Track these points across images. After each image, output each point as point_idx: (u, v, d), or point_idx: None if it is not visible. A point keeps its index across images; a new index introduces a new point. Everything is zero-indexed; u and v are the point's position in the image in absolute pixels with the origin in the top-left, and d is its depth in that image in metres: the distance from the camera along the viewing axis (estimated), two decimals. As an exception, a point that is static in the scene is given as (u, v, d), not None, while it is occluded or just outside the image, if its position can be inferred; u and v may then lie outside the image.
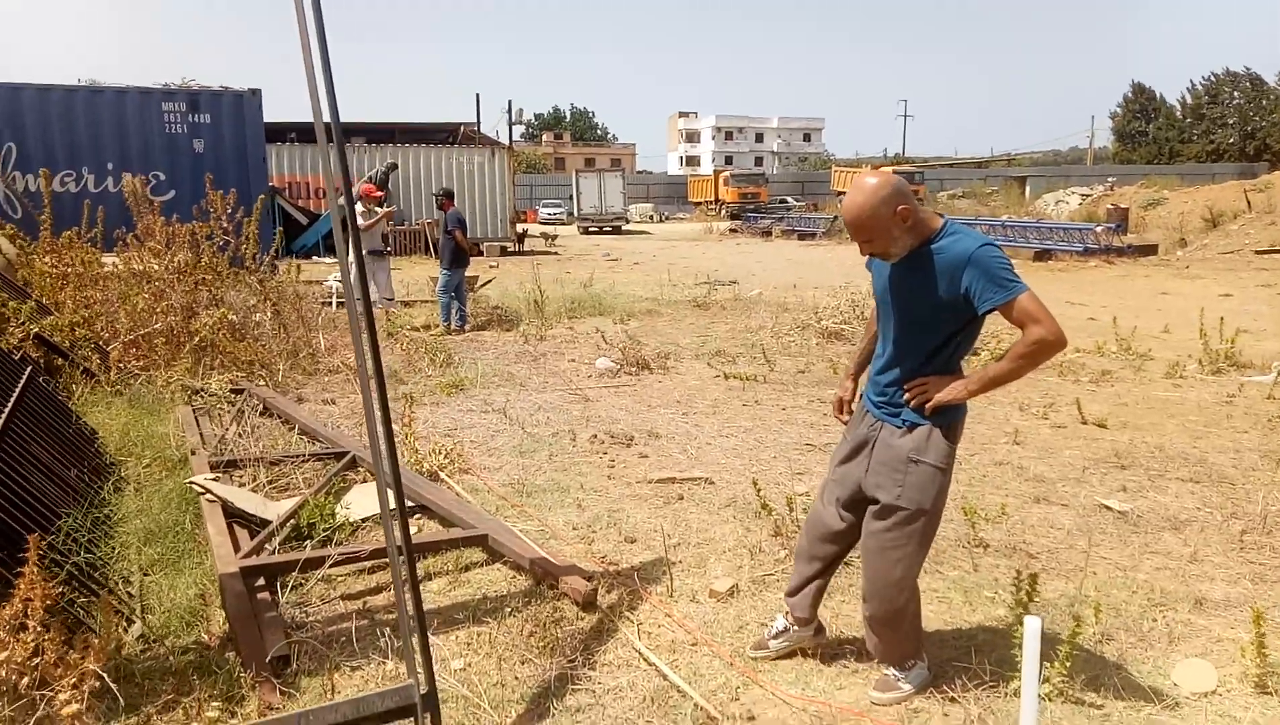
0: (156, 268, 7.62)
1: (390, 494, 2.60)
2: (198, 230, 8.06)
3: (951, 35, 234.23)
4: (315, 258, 19.72)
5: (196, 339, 6.99)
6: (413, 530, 4.35)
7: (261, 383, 7.18)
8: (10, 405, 4.06)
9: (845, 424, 3.01)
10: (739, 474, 5.18)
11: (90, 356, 6.17)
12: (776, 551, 4.08)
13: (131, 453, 5.07)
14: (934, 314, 2.60)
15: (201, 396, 6.39)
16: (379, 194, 11.46)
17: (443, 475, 5.10)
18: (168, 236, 7.79)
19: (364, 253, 10.70)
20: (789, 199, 50.68)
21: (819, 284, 14.77)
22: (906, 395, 2.71)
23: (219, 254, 8.23)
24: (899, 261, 2.66)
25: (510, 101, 39.65)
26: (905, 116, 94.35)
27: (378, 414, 2.51)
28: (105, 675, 2.54)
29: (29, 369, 4.95)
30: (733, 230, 37.56)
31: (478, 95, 37.16)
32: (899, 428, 2.73)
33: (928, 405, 2.67)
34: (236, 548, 3.87)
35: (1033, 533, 4.36)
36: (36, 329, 5.72)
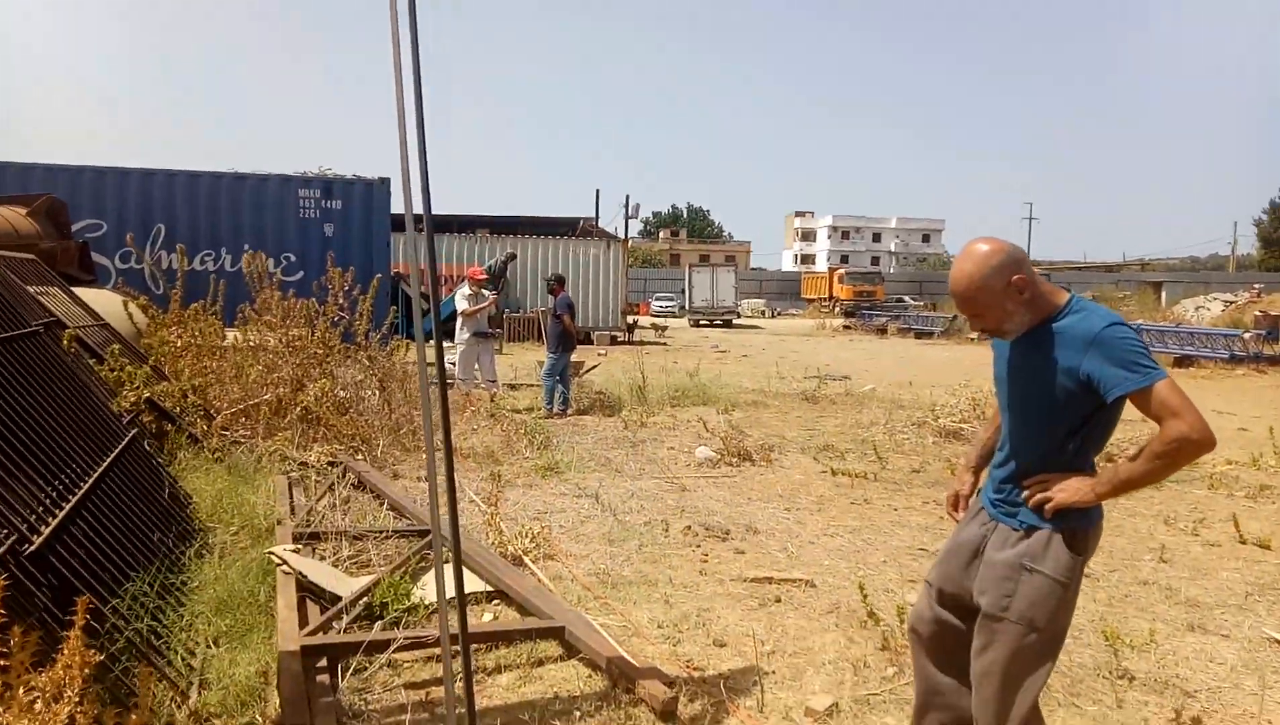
0: (271, 341, 7.84)
1: (449, 577, 2.38)
2: (312, 306, 8.29)
3: (1078, 137, 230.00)
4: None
5: (299, 409, 7.08)
6: (487, 617, 4.14)
7: (360, 457, 7.20)
8: (103, 467, 4.08)
9: (956, 522, 2.71)
10: (843, 577, 4.81)
11: (197, 422, 6.29)
12: (884, 668, 3.65)
13: (221, 519, 5.06)
14: (1055, 401, 2.34)
15: (298, 467, 6.42)
16: (483, 276, 11.65)
17: (526, 560, 4.89)
18: (284, 311, 8.03)
19: (469, 335, 10.99)
20: (906, 298, 49.78)
21: (936, 382, 14.21)
22: (1025, 493, 2.43)
23: (332, 329, 8.42)
24: (1017, 340, 2.42)
25: (628, 197, 40.83)
26: (1030, 219, 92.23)
27: (441, 481, 2.32)
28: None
29: (133, 432, 5.04)
30: (846, 327, 37.08)
31: (597, 191, 38.71)
32: (1015, 530, 2.44)
33: (1048, 506, 2.37)
34: (305, 623, 3.72)
35: (1188, 666, 3.77)
36: (149, 394, 5.88)
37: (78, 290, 7.49)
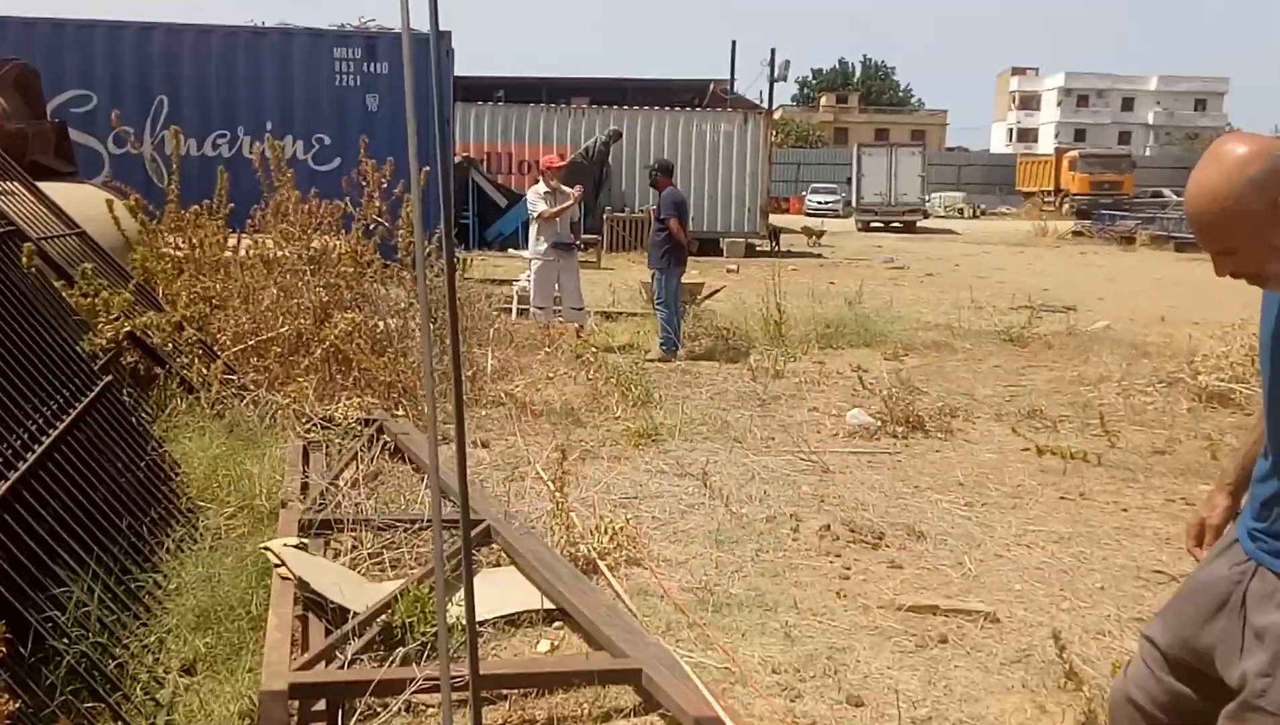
0: (287, 255, 7.99)
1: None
2: (344, 207, 8.40)
3: None
4: (513, 251, 20.52)
5: (323, 348, 7.22)
6: (543, 647, 4.13)
7: (400, 413, 7.32)
8: (58, 432, 4.21)
9: (1199, 560, 2.55)
10: (1040, 611, 4.61)
11: (194, 364, 6.49)
12: (1086, 755, 3.46)
13: (215, 497, 5.21)
14: None
15: (319, 426, 6.56)
16: (560, 164, 11.55)
17: (603, 566, 4.89)
18: (306, 215, 8.16)
19: (546, 246, 10.97)
20: (1165, 191, 47.19)
21: (1201, 318, 13.51)
22: None
23: (365, 241, 8.53)
24: None
25: (773, 51, 39.75)
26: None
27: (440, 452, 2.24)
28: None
29: (106, 380, 5.20)
30: (1077, 233, 35.72)
31: (733, 43, 37.73)
32: None
33: None
34: (304, 648, 3.77)
35: None
36: (130, 327, 6.07)
37: (51, 186, 7.78)
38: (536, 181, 11.73)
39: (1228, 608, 2.34)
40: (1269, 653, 2.20)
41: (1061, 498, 6.29)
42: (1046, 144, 78.43)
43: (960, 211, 52.40)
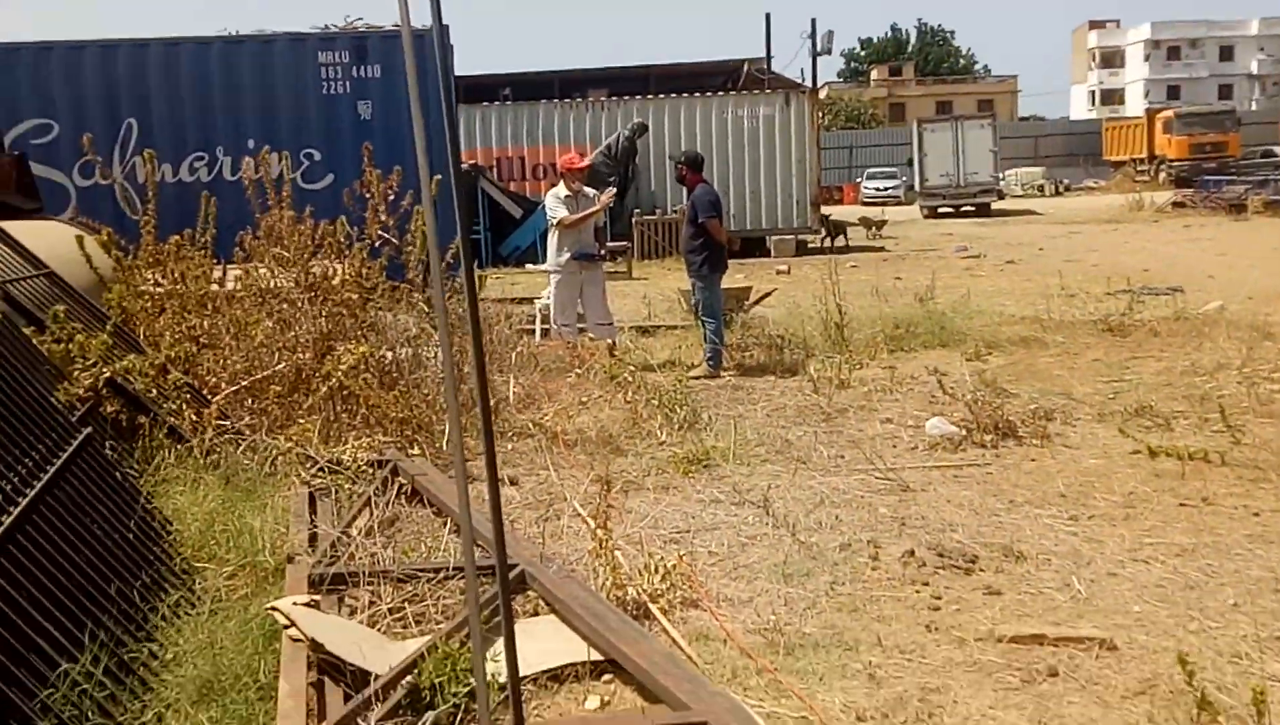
0: (284, 283, 8.08)
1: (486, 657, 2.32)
2: (343, 227, 8.48)
3: None
4: (530, 266, 20.62)
5: (327, 385, 7.28)
6: (592, 702, 4.14)
7: (415, 451, 7.37)
8: (33, 493, 4.27)
9: None
10: (1165, 634, 4.58)
11: (182, 410, 6.56)
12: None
13: (213, 555, 5.27)
14: None
15: (326, 471, 6.61)
16: (582, 166, 11.58)
17: (655, 609, 4.89)
18: (301, 238, 8.24)
19: (567, 257, 11.01)
20: (1278, 150, 46.71)
21: (1330, 292, 13.31)
22: None
23: (371, 262, 8.61)
24: None
25: (814, 21, 39.81)
26: None
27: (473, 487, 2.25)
28: None
29: (85, 432, 5.28)
30: (1178, 204, 35.39)
31: (768, 16, 37.70)
32: None
33: None
34: (320, 718, 3.79)
35: None
36: (110, 373, 6.16)
37: (14, 225, 7.94)
38: (555, 185, 11.78)
39: None
40: None
41: (1181, 504, 6.23)
42: (1135, 105, 77.96)
43: (1040, 189, 52.15)
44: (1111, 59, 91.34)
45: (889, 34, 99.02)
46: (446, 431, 7.68)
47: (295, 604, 4.45)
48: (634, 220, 24.84)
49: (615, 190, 13.82)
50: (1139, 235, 26.90)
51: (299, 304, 8.07)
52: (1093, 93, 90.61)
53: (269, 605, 4.49)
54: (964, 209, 39.45)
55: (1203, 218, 31.45)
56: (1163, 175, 43.96)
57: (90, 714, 3.47)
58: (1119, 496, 6.42)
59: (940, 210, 39.62)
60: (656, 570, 5.13)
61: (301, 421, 7.12)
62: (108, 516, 4.86)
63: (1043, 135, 63.23)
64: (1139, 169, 47.84)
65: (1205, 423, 7.88)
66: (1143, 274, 17.30)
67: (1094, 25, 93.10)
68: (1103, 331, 11.93)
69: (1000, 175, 43.50)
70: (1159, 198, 37.28)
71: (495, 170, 25.72)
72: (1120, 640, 4.50)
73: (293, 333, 7.93)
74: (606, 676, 4.30)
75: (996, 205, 40.57)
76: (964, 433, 7.81)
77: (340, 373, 7.48)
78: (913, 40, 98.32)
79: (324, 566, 5.09)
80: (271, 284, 8.15)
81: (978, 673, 4.29)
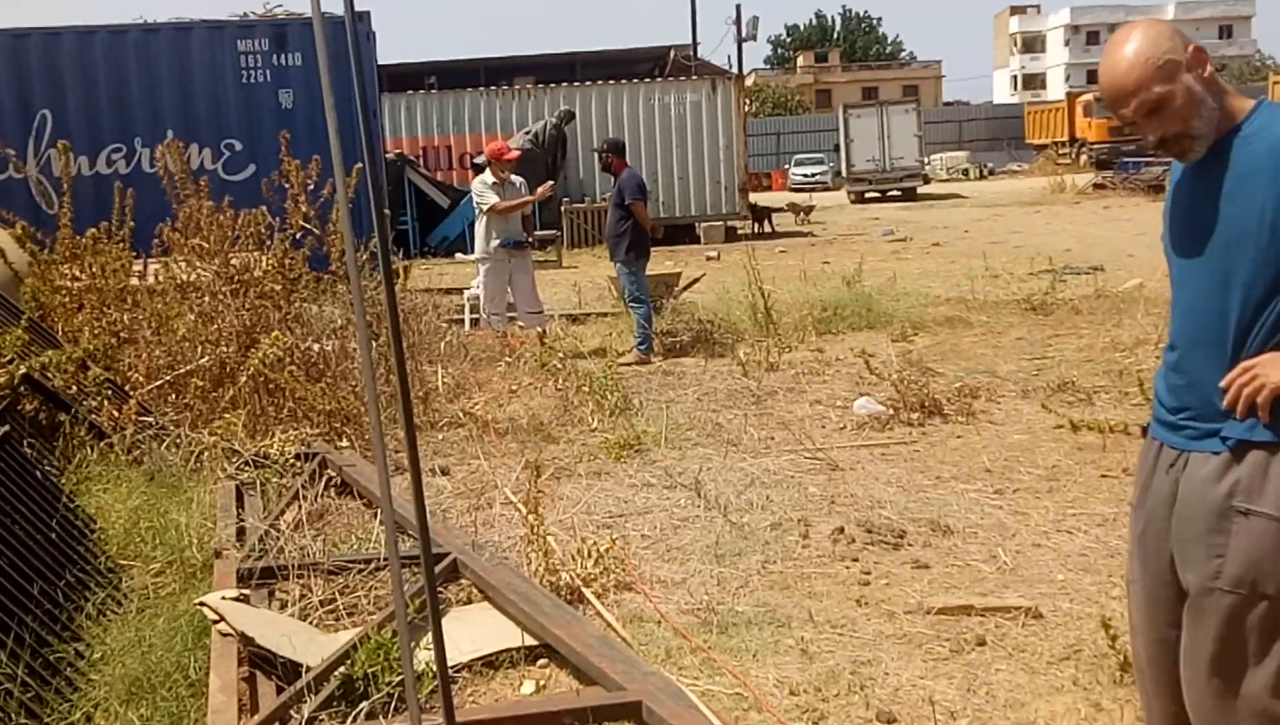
0: (205, 276, 7.97)
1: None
2: (262, 217, 8.37)
3: None
4: (460, 255, 20.50)
5: (250, 377, 7.19)
6: (528, 687, 4.14)
7: (344, 444, 7.32)
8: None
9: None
10: (1088, 600, 4.67)
11: (103, 406, 6.46)
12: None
13: (139, 553, 5.20)
14: (1256, 241, 2.52)
15: (252, 465, 6.54)
16: (513, 154, 11.52)
17: (589, 594, 4.90)
18: (221, 229, 8.13)
19: (496, 246, 10.96)
20: (1195, 131, 47.70)
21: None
22: (1228, 397, 2.56)
23: (294, 252, 8.51)
24: (1196, 170, 2.67)
25: (739, 7, 39.86)
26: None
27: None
28: None
29: (2, 431, 5.18)
30: (1099, 185, 35.90)
31: (693, 4, 37.71)
32: (1215, 454, 2.61)
33: (1260, 397, 2.49)
34: (253, 712, 3.77)
35: None
36: (26, 370, 6.04)
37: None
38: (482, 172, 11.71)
39: (1168, 507, 2.70)
40: (1213, 530, 2.57)
41: (1103, 476, 6.35)
42: (1056, 89, 78.94)
43: (965, 173, 52.72)
44: (1033, 44, 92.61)
45: (814, 21, 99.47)
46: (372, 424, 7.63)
47: (224, 599, 4.41)
48: (563, 208, 24.79)
49: (552, 182, 13.82)
50: (1061, 217, 27.31)
51: (221, 296, 7.96)
52: (1015, 77, 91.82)
53: (197, 601, 4.45)
54: (890, 193, 39.79)
55: (1122, 199, 31.96)
56: (1083, 158, 44.47)
57: (14, 715, 3.42)
58: (1043, 470, 6.53)
59: (867, 195, 39.91)
60: (589, 555, 5.12)
61: (226, 415, 7.03)
62: (28, 516, 4.77)
63: (967, 120, 63.86)
64: (1060, 152, 48.39)
65: (1125, 397, 8.03)
66: (1064, 254, 17.55)
67: (1015, 11, 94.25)
68: (1026, 311, 12.12)
69: (925, 160, 43.96)
70: (1080, 180, 37.78)
71: (421, 160, 25.52)
72: (1045, 608, 4.59)
73: (215, 326, 7.82)
74: (541, 661, 4.32)
75: (922, 189, 41.01)
76: (891, 412, 7.88)
77: (264, 364, 7.40)
78: (838, 27, 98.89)
79: (253, 561, 5.05)
80: (192, 277, 8.03)
81: (907, 644, 4.34)
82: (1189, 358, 2.71)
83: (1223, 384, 2.57)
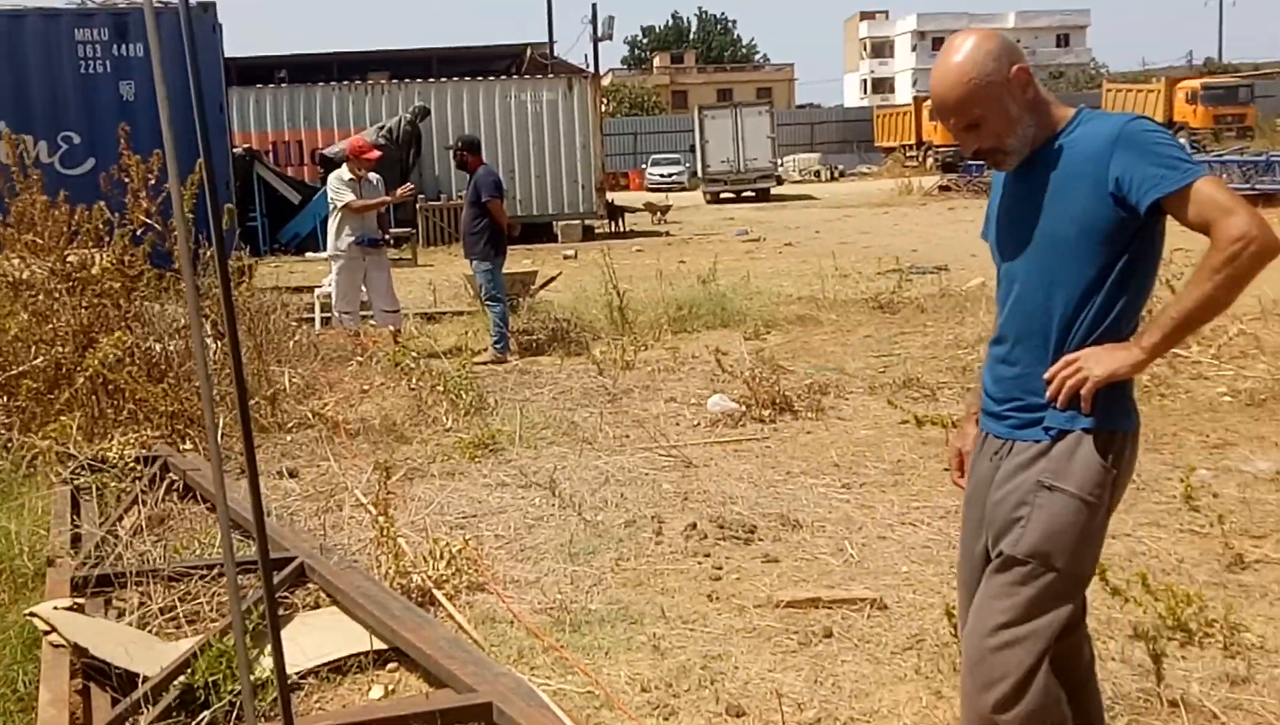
0: (40, 273, 7.66)
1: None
2: (102, 213, 8.09)
3: None
4: (311, 253, 20.12)
5: (84, 381, 6.95)
6: (376, 692, 4.09)
7: (187, 447, 7.12)
8: None
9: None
10: (931, 591, 4.78)
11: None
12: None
13: (-34, 563, 4.97)
14: (1080, 238, 2.67)
15: (89, 469, 6.34)
16: (372, 153, 11.33)
17: (440, 595, 4.85)
18: (56, 224, 7.83)
19: (349, 244, 10.77)
20: (1033, 135, 49.37)
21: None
22: (1050, 388, 2.69)
23: (134, 248, 8.24)
24: (1020, 171, 2.79)
25: (595, 7, 40.01)
26: (1221, 2, 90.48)
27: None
28: None
29: None
30: (944, 187, 37.02)
31: (549, 3, 37.70)
32: (1037, 442, 2.75)
33: (1084, 388, 2.64)
34: (87, 724, 3.64)
35: None
36: None
37: None
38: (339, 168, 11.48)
39: (990, 493, 2.85)
40: (1022, 504, 2.72)
41: (946, 470, 6.34)
42: (904, 94, 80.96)
43: (817, 174, 53.62)
44: (881, 49, 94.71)
45: (670, 22, 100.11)
46: (222, 424, 7.44)
47: (56, 609, 4.26)
48: (418, 206, 24.50)
49: (412, 185, 13.66)
50: (908, 218, 28.02)
51: (56, 295, 7.66)
52: (865, 81, 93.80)
53: (27, 612, 4.29)
54: (745, 194, 40.26)
55: (966, 200, 32.77)
56: (930, 161, 45.65)
57: None
58: (888, 464, 6.67)
59: (722, 195, 40.32)
60: (442, 556, 5.08)
61: (61, 418, 6.76)
62: None
63: (818, 122, 64.90)
64: (908, 155, 49.59)
65: (967, 392, 8.08)
66: (911, 254, 17.95)
67: (865, 16, 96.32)
68: (873, 309, 12.36)
69: (779, 161, 44.63)
70: (926, 182, 38.81)
71: (271, 155, 24.96)
72: (890, 599, 4.69)
73: (50, 325, 7.53)
74: (391, 665, 4.26)
75: (775, 190, 41.60)
76: (743, 409, 7.96)
77: (102, 365, 7.15)
78: (694, 28, 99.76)
79: (88, 568, 4.87)
80: (25, 274, 7.71)
81: (757, 638, 4.39)
82: (1015, 351, 2.84)
83: (1046, 376, 2.70)
